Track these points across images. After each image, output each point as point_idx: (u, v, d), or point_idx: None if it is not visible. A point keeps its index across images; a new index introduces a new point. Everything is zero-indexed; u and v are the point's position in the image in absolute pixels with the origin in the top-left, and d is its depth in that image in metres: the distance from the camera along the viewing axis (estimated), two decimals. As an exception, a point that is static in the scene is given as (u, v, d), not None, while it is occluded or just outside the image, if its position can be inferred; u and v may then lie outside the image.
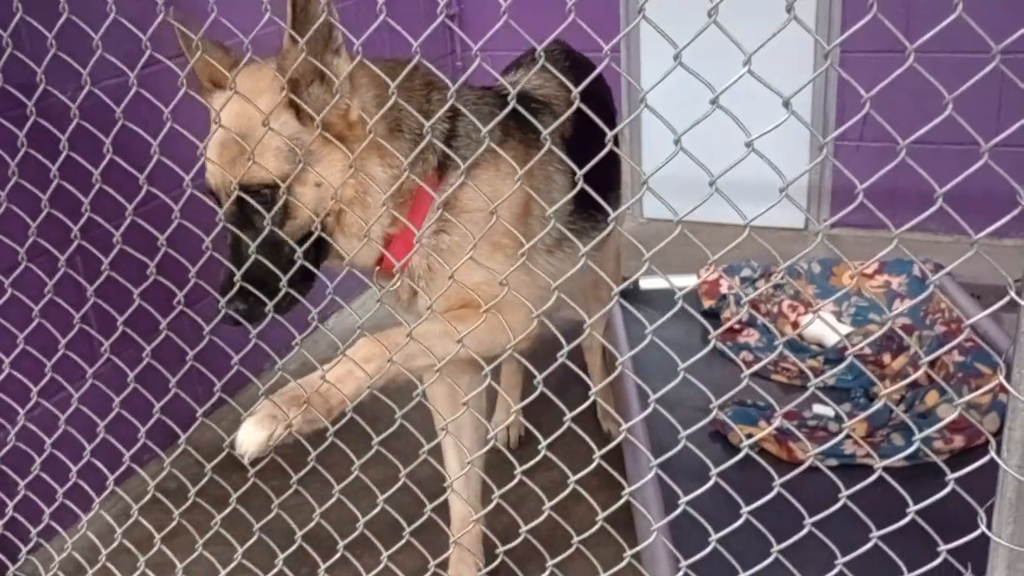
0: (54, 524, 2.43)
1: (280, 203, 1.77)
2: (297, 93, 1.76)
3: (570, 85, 1.38)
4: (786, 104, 1.18)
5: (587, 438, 1.60)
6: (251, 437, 1.67)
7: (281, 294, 1.76)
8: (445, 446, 2.30)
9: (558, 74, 1.50)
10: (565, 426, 1.57)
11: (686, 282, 2.93)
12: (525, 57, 2.52)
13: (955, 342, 1.47)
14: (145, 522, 2.18)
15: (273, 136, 1.75)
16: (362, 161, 1.81)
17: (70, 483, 2.28)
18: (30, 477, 2.37)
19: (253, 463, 1.69)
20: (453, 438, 2.23)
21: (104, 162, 1.81)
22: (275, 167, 1.79)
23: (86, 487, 2.33)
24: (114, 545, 2.25)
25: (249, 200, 1.80)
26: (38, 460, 2.33)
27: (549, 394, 1.58)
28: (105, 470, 2.20)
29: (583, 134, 1.53)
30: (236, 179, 1.80)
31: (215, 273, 1.87)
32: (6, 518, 2.42)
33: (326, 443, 1.83)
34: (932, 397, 2.77)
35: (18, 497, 2.40)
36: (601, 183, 1.42)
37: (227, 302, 1.80)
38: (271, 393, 1.72)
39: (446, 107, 1.57)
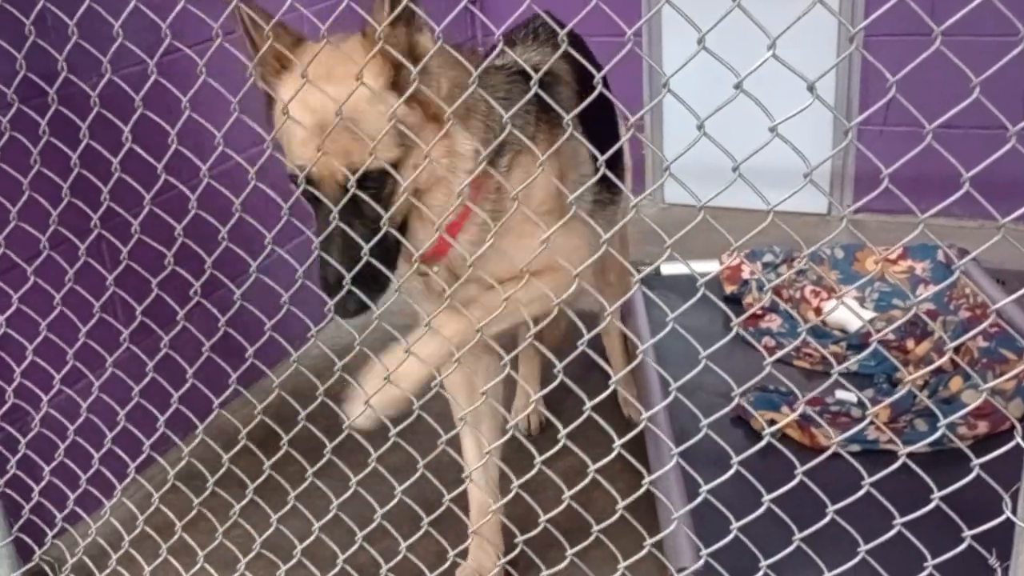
0: (78, 509, 2.45)
1: (392, 190, 1.73)
2: (397, 74, 1.70)
3: (589, 67, 1.39)
4: (811, 88, 1.16)
5: (607, 426, 1.59)
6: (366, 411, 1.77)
7: (393, 287, 1.76)
8: (463, 435, 2.28)
9: (580, 58, 1.47)
10: (585, 415, 1.57)
11: (708, 268, 2.92)
12: (518, 32, 2.48)
13: (980, 327, 1.45)
14: (166, 509, 2.19)
15: (383, 120, 1.68)
16: (452, 142, 1.79)
17: (93, 469, 2.30)
18: (54, 463, 2.39)
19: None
20: (471, 428, 2.23)
21: (123, 151, 1.82)
22: (390, 153, 1.71)
23: (108, 474, 2.34)
24: (137, 531, 2.26)
25: (359, 192, 1.71)
26: (61, 446, 2.35)
27: (569, 382, 1.57)
28: (126, 457, 2.22)
29: (589, 107, 1.52)
30: (355, 167, 1.69)
31: (234, 263, 1.87)
32: (32, 503, 2.44)
33: (343, 434, 1.83)
34: (956, 383, 2.75)
35: (43, 483, 2.42)
36: (611, 160, 1.41)
37: (341, 302, 1.73)
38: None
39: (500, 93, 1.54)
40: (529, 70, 1.45)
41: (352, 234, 1.67)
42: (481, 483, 2.30)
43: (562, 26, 1.39)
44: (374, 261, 1.70)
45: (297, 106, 1.65)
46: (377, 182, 1.72)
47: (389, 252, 1.75)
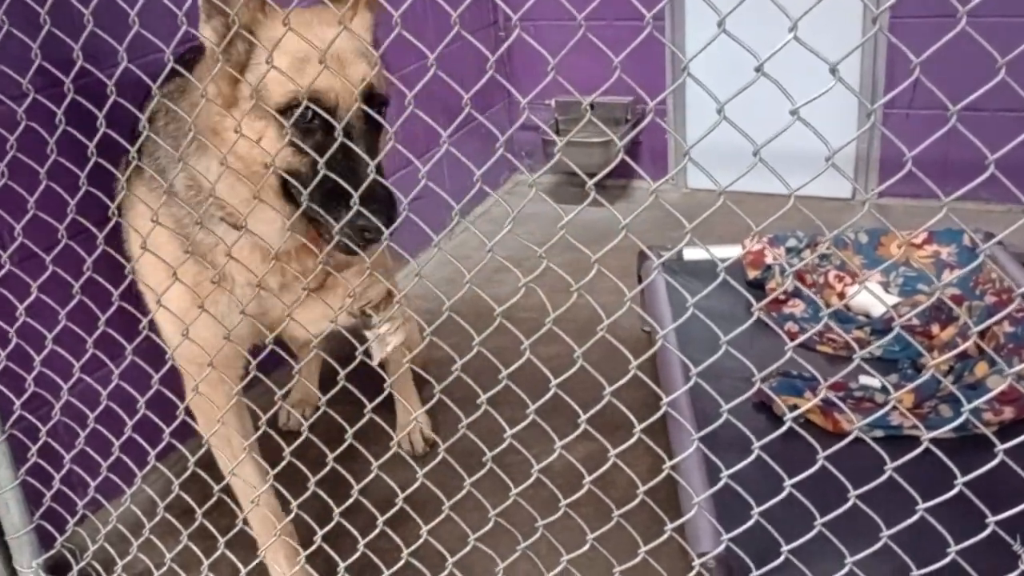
0: (99, 497, 2.46)
1: (381, 129, 1.83)
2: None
3: None
4: (833, 71, 1.15)
5: (627, 411, 1.58)
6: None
7: (402, 217, 1.74)
8: (246, 463, 2.32)
9: None
10: (606, 399, 1.56)
11: (731, 253, 2.90)
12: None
13: (1005, 312, 1.43)
14: (186, 496, 2.20)
15: (375, 60, 1.79)
16: None
17: (113, 457, 2.31)
18: (75, 451, 2.40)
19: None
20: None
21: (141, 139, 1.81)
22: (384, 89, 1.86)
23: (129, 461, 2.35)
24: (157, 518, 2.27)
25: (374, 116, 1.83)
26: (82, 434, 2.36)
27: (588, 367, 1.56)
28: (146, 445, 2.22)
29: None
30: (371, 90, 1.81)
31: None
32: (53, 491, 2.45)
33: (364, 419, 1.83)
34: (982, 368, 2.73)
35: (64, 470, 2.43)
36: None
37: (389, 216, 1.74)
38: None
39: None
40: None
41: (366, 156, 1.71)
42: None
43: None
44: (386, 184, 1.73)
45: (307, 40, 1.65)
46: (379, 112, 1.84)
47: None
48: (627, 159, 1.40)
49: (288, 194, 1.88)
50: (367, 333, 2.05)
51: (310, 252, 2.04)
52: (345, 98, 1.79)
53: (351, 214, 1.66)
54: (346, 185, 1.62)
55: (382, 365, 2.25)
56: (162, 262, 1.96)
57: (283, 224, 1.92)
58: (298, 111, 1.77)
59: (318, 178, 1.65)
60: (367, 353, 1.87)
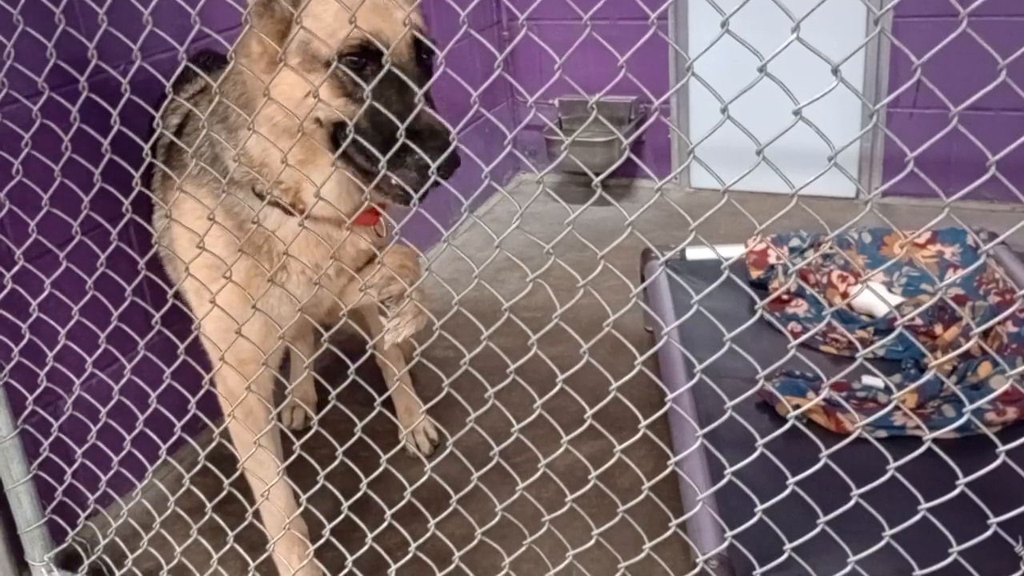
0: (110, 491, 2.48)
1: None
2: None
3: None
4: (835, 71, 1.16)
5: (633, 407, 1.60)
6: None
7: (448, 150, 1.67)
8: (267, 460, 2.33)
9: None
10: (611, 395, 1.58)
11: (734, 252, 2.92)
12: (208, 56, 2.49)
13: (1008, 312, 1.44)
14: (197, 490, 2.22)
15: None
16: None
17: (124, 452, 2.33)
18: (86, 445, 2.43)
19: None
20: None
21: (154, 137, 1.84)
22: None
23: (140, 456, 2.37)
24: (168, 512, 2.29)
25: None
26: (94, 429, 2.38)
27: (595, 363, 1.57)
28: (157, 439, 2.25)
29: None
30: (424, 36, 1.81)
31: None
32: (64, 485, 2.48)
33: (374, 412, 1.85)
34: (985, 368, 2.73)
35: (75, 465, 2.46)
36: None
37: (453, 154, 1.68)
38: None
39: None
40: None
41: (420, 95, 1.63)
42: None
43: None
44: (445, 123, 1.71)
45: None
46: (427, 59, 1.83)
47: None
48: (633, 157, 1.41)
49: (343, 153, 1.83)
50: (381, 319, 2.06)
51: (362, 230, 2.06)
52: (395, 41, 1.76)
53: (414, 157, 1.65)
54: (398, 122, 1.56)
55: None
56: (212, 257, 1.95)
57: (340, 185, 1.94)
58: (349, 58, 1.75)
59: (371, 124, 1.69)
60: (376, 345, 1.89)
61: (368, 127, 1.74)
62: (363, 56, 1.76)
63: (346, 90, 1.79)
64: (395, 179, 1.74)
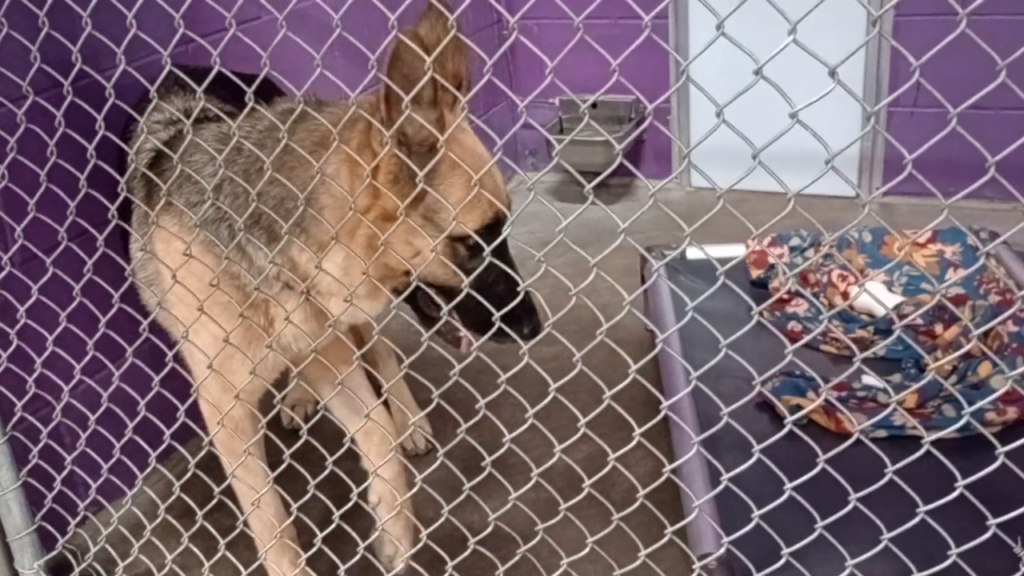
0: (100, 498, 2.46)
1: None
2: None
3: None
4: (832, 73, 1.14)
5: (627, 415, 1.58)
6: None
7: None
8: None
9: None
10: (605, 403, 1.55)
11: (734, 252, 2.89)
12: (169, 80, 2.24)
13: (1009, 312, 1.43)
14: (187, 497, 2.20)
15: None
16: None
17: (114, 459, 2.31)
18: (76, 452, 2.40)
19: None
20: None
21: (139, 141, 1.81)
22: None
23: (129, 463, 2.36)
24: (158, 519, 2.27)
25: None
26: (83, 436, 2.36)
27: (588, 372, 1.55)
28: (147, 447, 2.22)
29: None
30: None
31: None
32: (54, 492, 2.45)
33: (363, 423, 1.83)
34: (986, 368, 2.72)
35: (65, 472, 2.43)
36: None
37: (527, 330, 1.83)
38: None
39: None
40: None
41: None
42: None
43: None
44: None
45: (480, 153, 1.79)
46: None
47: None
48: (625, 162, 1.39)
49: (411, 296, 1.91)
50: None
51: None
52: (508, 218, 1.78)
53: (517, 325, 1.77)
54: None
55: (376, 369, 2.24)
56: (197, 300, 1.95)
57: (383, 308, 1.97)
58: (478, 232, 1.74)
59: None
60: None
61: (462, 292, 1.66)
62: (487, 232, 1.75)
63: (458, 258, 1.79)
64: (463, 331, 1.86)
